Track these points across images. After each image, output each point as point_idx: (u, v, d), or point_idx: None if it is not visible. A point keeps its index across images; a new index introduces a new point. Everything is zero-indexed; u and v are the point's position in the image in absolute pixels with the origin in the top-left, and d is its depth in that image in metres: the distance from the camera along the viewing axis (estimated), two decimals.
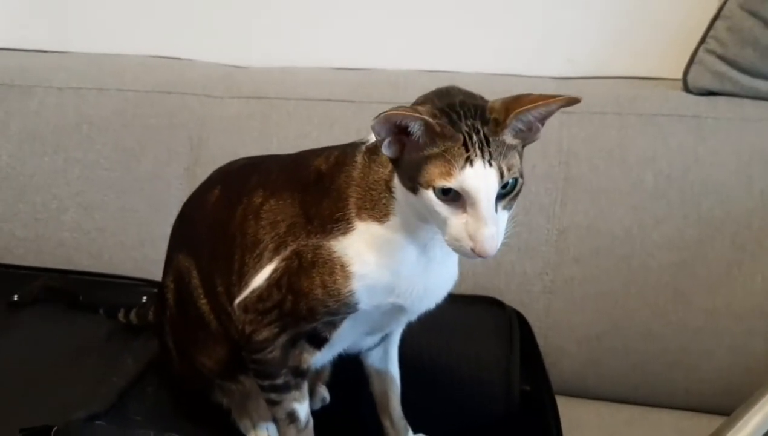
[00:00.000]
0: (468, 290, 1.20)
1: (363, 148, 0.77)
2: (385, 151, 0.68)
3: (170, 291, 0.90)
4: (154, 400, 0.92)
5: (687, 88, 1.27)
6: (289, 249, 0.76)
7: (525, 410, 1.02)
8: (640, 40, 1.39)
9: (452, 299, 1.14)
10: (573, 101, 0.66)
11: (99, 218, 1.34)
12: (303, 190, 0.78)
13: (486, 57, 1.42)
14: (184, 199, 0.96)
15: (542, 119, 0.69)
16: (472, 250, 0.66)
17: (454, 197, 0.66)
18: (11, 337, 1.15)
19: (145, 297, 1.19)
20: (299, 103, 1.33)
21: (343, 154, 0.78)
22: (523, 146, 0.70)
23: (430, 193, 0.66)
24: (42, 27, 1.60)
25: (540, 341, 1.15)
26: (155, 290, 1.14)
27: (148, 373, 0.97)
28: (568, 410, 1.06)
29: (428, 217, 0.69)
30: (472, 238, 0.65)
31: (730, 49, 1.22)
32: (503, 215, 0.67)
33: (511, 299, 1.19)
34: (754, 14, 1.19)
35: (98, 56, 1.51)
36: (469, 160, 0.64)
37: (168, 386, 0.94)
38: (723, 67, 1.23)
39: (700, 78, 1.26)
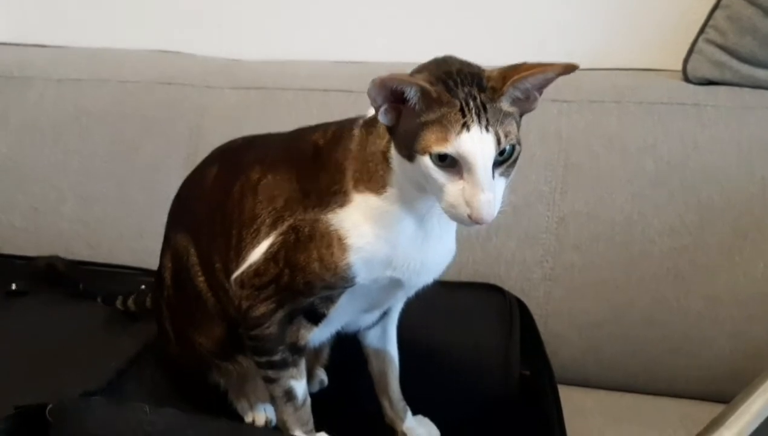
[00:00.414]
0: (468, 277, 1.20)
1: (360, 122, 0.77)
2: (382, 118, 0.68)
3: (168, 271, 0.90)
4: (151, 380, 0.91)
5: (687, 78, 1.27)
6: (286, 224, 0.76)
7: (526, 395, 1.01)
8: (640, 31, 1.39)
9: (452, 285, 1.15)
10: (570, 68, 0.66)
11: (98, 208, 1.34)
12: (300, 165, 0.77)
13: (485, 49, 1.40)
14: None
15: (540, 88, 0.69)
16: (469, 216, 0.65)
17: (450, 164, 0.65)
18: (9, 324, 1.14)
19: (143, 286, 1.18)
20: (298, 94, 1.33)
21: (341, 128, 0.77)
22: (521, 115, 0.69)
23: (426, 160, 0.66)
24: (42, 22, 1.61)
25: (540, 328, 1.14)
26: (152, 279, 1.15)
27: (146, 354, 0.96)
28: (568, 398, 1.04)
29: (425, 185, 0.68)
30: (468, 204, 0.65)
31: (729, 39, 1.22)
32: (500, 183, 0.67)
33: (511, 286, 1.18)
34: (753, 3, 1.19)
35: (98, 50, 1.52)
36: (465, 126, 0.64)
37: (166, 368, 0.94)
38: (723, 57, 1.23)
39: (699, 68, 1.26)
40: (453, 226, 0.78)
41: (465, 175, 0.65)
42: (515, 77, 0.66)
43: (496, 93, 0.66)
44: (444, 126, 0.65)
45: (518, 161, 0.68)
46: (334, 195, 0.74)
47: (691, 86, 1.25)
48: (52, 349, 1.05)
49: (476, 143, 0.64)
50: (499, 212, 0.67)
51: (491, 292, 1.17)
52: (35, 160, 1.36)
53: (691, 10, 1.30)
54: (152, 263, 1.14)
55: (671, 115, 1.21)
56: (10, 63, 1.46)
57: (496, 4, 1.42)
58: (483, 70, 0.68)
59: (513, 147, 0.67)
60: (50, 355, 1.03)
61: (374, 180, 0.73)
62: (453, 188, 0.66)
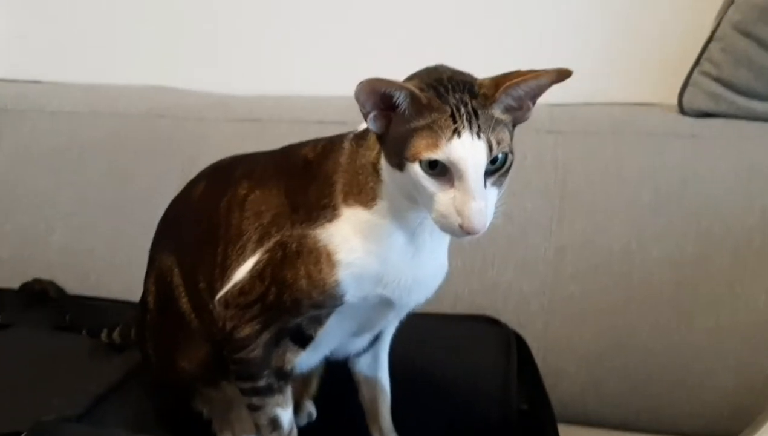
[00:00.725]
0: (465, 309, 1.17)
1: (351, 135, 0.75)
2: (371, 125, 0.67)
3: (151, 294, 0.87)
4: (133, 408, 0.88)
5: (683, 111, 1.26)
6: (273, 240, 0.73)
7: (524, 430, 0.97)
8: (634, 66, 1.39)
9: (448, 317, 1.13)
10: (564, 73, 0.65)
11: (87, 239, 1.32)
12: (289, 179, 0.76)
13: None
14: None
15: (533, 97, 0.67)
16: (460, 226, 0.63)
17: (441, 172, 0.64)
18: None
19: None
20: (292, 125, 1.32)
21: (331, 142, 0.76)
22: (514, 126, 0.68)
23: (416, 168, 0.64)
24: (38, 59, 1.61)
25: (539, 361, 1.10)
26: None
27: (129, 382, 0.93)
28: None
29: (415, 194, 0.66)
30: (459, 213, 0.63)
31: (724, 70, 1.22)
32: (492, 192, 0.65)
33: (508, 318, 1.15)
34: (747, 34, 1.19)
35: (93, 85, 1.52)
36: (456, 132, 0.63)
37: (149, 396, 0.91)
38: (718, 89, 1.23)
39: (695, 100, 1.25)
40: (445, 243, 0.76)
41: (456, 183, 0.63)
42: (508, 84, 0.64)
43: (488, 100, 0.65)
44: (434, 132, 0.63)
45: (510, 172, 0.67)
46: (323, 209, 0.72)
47: (687, 118, 1.25)
48: (34, 378, 1.02)
49: (467, 150, 0.62)
50: (491, 224, 0.65)
51: (488, 324, 1.14)
52: (26, 191, 1.35)
53: (685, 44, 1.30)
54: (140, 293, 1.13)
55: (668, 145, 1.20)
56: (5, 97, 1.46)
57: (490, 38, 1.43)
58: (475, 79, 0.67)
59: (505, 155, 0.65)
60: (32, 383, 1.00)
61: (364, 193, 0.71)
62: (444, 197, 0.64)
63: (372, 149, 0.72)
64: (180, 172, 1.31)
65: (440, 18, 1.43)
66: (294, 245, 0.72)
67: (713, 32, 1.24)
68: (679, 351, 1.12)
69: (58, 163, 1.36)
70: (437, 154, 0.63)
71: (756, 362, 1.10)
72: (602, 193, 1.18)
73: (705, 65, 1.24)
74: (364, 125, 0.74)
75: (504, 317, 1.15)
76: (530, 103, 0.68)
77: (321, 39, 1.50)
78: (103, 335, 1.12)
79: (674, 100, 1.28)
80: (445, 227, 0.65)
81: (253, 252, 0.75)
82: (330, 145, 0.76)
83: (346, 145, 0.74)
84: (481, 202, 0.63)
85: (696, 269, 1.14)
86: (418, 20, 1.45)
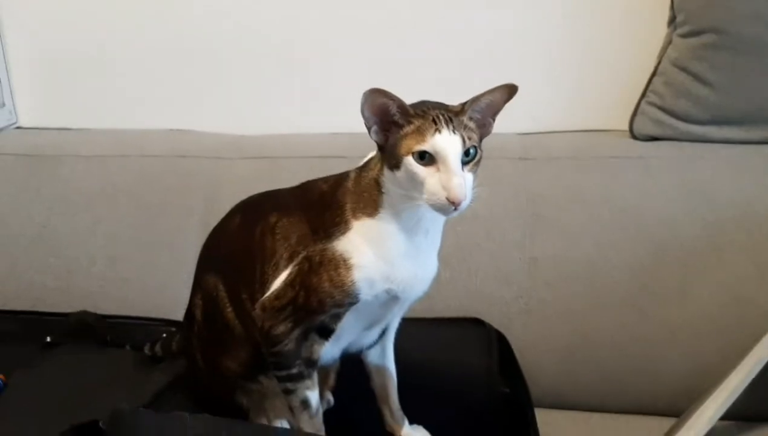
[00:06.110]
0: (454, 314, 1.36)
1: (355, 168, 0.95)
2: (373, 136, 0.87)
3: (198, 308, 1.04)
4: (183, 404, 1.05)
5: (633, 136, 1.47)
6: (301, 256, 0.92)
7: (506, 409, 1.14)
8: (592, 98, 1.59)
9: (440, 320, 1.32)
10: (511, 88, 0.87)
11: (123, 268, 1.49)
12: (308, 209, 0.95)
13: None
14: (200, 249, 1.10)
15: (493, 114, 0.89)
16: (447, 199, 0.82)
17: (428, 161, 0.83)
18: (45, 373, 1.27)
19: (164, 334, 1.32)
20: (301, 161, 1.48)
21: (340, 176, 0.96)
22: (481, 138, 0.89)
23: (409, 159, 0.83)
24: (66, 107, 1.78)
25: (519, 357, 1.29)
26: (173, 329, 1.30)
27: (177, 384, 1.10)
28: (547, 419, 1.19)
29: (410, 187, 0.84)
30: (445, 188, 0.82)
31: (667, 101, 1.42)
32: (469, 177, 0.84)
33: (491, 320, 1.34)
34: (684, 70, 1.39)
35: (119, 131, 1.71)
36: (437, 130, 0.83)
37: (196, 393, 1.08)
38: (663, 116, 1.43)
39: (643, 126, 1.45)
40: (435, 245, 0.95)
41: (440, 167, 0.83)
42: (471, 100, 0.87)
43: (459, 113, 0.86)
44: (421, 132, 0.83)
45: (480, 164, 0.87)
46: (337, 226, 0.90)
47: (637, 143, 1.45)
48: (88, 388, 1.18)
49: (446, 140, 0.83)
50: (471, 201, 0.84)
51: (474, 325, 1.33)
52: (67, 228, 1.52)
53: (634, 78, 1.50)
54: (172, 314, 1.30)
55: (622, 167, 1.40)
56: (43, 145, 1.64)
57: (468, 80, 1.60)
58: (449, 105, 0.89)
59: (475, 149, 0.86)
60: (85, 393, 1.15)
61: (369, 206, 0.90)
62: (432, 180, 0.83)
63: (373, 169, 0.91)
64: (202, 207, 1.49)
65: (424, 60, 1.61)
66: (317, 258, 0.90)
67: (656, 68, 1.45)
68: (639, 343, 1.31)
69: (95, 202, 1.53)
70: (425, 146, 0.83)
71: (704, 350, 1.28)
72: (567, 211, 1.37)
73: (651, 96, 1.45)
74: (365, 159, 0.94)
75: (488, 320, 1.34)
76: (491, 120, 0.90)
77: (325, 83, 1.66)
78: (146, 349, 1.29)
79: (626, 127, 1.49)
80: (435, 204, 0.84)
81: (285, 267, 0.93)
82: (340, 178, 0.96)
83: (352, 174, 0.94)
84: (460, 178, 0.83)
85: (650, 274, 1.32)
86: (417, 60, 1.62)
